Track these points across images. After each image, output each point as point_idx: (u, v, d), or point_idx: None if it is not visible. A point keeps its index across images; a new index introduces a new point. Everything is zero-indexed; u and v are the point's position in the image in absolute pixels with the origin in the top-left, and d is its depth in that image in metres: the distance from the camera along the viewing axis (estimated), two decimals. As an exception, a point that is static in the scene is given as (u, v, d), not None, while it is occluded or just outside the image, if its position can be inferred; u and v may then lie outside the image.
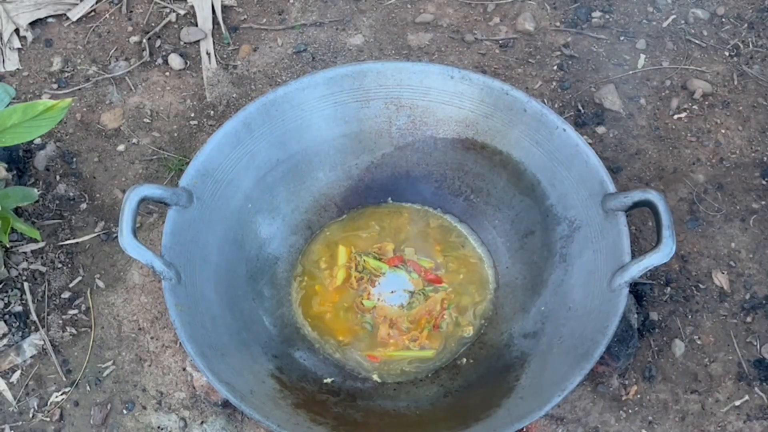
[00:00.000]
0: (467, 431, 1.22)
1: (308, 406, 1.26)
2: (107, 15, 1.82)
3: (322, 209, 1.50)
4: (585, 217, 1.29)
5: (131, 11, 1.82)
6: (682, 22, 1.76)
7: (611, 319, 1.16)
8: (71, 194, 1.60)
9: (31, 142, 1.65)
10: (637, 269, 1.16)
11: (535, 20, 1.77)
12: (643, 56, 1.72)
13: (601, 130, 1.63)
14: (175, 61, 1.74)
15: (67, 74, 1.75)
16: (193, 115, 1.69)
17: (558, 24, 1.77)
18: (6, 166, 1.56)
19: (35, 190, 1.51)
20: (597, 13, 1.77)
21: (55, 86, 1.73)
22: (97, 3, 1.83)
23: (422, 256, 1.47)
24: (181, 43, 1.77)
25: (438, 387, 1.36)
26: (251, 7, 1.82)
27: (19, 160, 1.63)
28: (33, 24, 1.79)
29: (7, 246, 1.53)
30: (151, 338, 1.47)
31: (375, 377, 1.37)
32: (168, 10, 1.82)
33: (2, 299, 1.49)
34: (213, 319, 1.27)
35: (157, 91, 1.72)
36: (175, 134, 1.67)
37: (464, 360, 1.38)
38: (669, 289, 1.48)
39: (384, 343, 1.39)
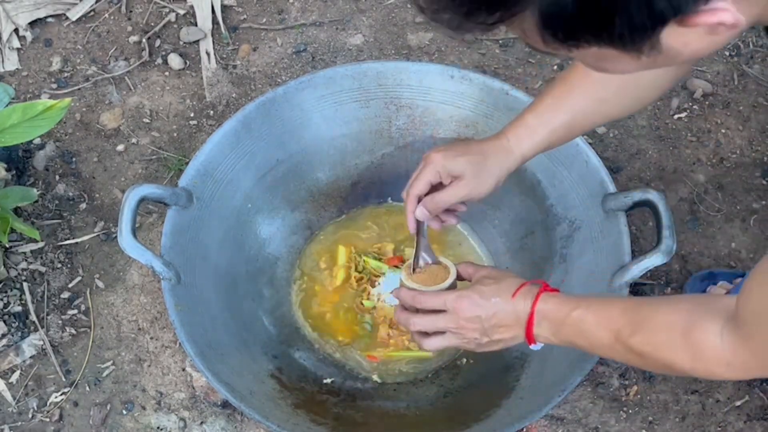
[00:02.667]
0: (467, 431, 1.22)
1: (308, 407, 1.26)
2: (106, 15, 1.82)
3: (322, 209, 1.50)
4: (585, 217, 1.29)
5: (131, 11, 1.82)
6: (682, 21, 1.76)
7: (611, 319, 1.15)
8: (71, 194, 1.60)
9: (31, 142, 1.64)
10: (638, 269, 1.15)
11: (535, 20, 1.76)
12: (643, 56, 1.72)
13: (601, 129, 1.63)
14: (175, 61, 1.74)
15: (66, 74, 1.75)
16: (192, 114, 1.69)
17: (558, 24, 1.77)
18: (5, 166, 1.56)
19: (34, 190, 1.51)
20: (597, 13, 1.76)
21: (54, 86, 1.73)
22: (96, 3, 1.82)
23: (422, 256, 1.46)
24: (181, 42, 1.77)
25: (438, 387, 1.36)
26: (251, 7, 1.82)
27: (19, 160, 1.62)
28: (32, 24, 1.79)
29: (7, 246, 1.52)
30: (151, 338, 1.47)
31: (375, 377, 1.37)
32: (167, 10, 1.81)
33: (1, 299, 1.49)
34: (213, 319, 1.26)
35: (156, 90, 1.72)
36: (175, 134, 1.67)
37: (464, 360, 1.38)
38: (669, 289, 1.48)
39: (384, 343, 1.39)
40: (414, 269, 1.11)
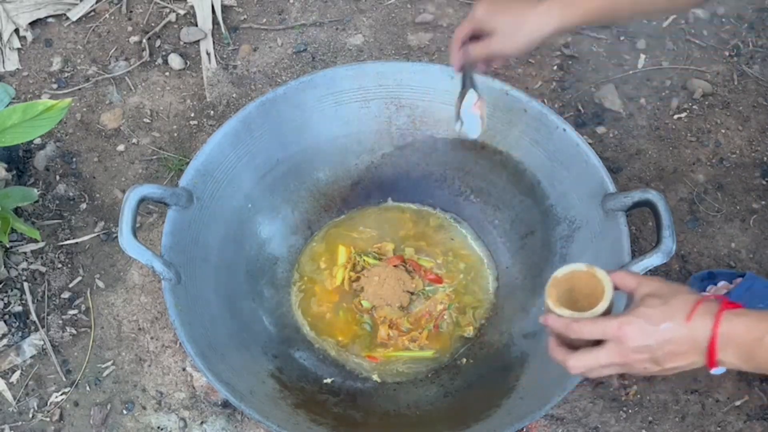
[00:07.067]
0: (467, 431, 1.22)
1: (308, 407, 1.26)
2: (107, 15, 1.82)
3: (322, 209, 1.50)
4: (585, 217, 1.29)
5: (131, 11, 1.82)
6: (682, 21, 1.76)
7: (611, 319, 1.15)
8: (71, 194, 1.60)
9: (31, 142, 1.65)
10: (638, 269, 1.15)
11: (535, 20, 1.76)
12: (643, 56, 1.72)
13: (601, 130, 1.63)
14: (175, 61, 1.74)
15: (66, 74, 1.75)
16: (193, 115, 1.69)
17: (558, 24, 1.77)
18: (6, 166, 1.56)
19: (35, 190, 1.51)
20: (597, 13, 1.77)
21: (54, 86, 1.73)
22: (97, 3, 1.83)
23: (422, 256, 1.46)
24: (181, 43, 1.77)
25: (438, 387, 1.36)
26: (251, 7, 1.82)
27: (19, 160, 1.63)
28: (33, 24, 1.79)
29: (7, 246, 1.53)
30: (151, 338, 1.47)
31: (375, 377, 1.37)
32: (168, 10, 1.82)
33: (2, 299, 1.49)
34: (213, 319, 1.27)
35: (156, 91, 1.72)
36: (175, 134, 1.67)
37: (464, 360, 1.38)
38: (669, 289, 1.47)
39: (383, 343, 1.39)
40: (461, 100, 1.15)
